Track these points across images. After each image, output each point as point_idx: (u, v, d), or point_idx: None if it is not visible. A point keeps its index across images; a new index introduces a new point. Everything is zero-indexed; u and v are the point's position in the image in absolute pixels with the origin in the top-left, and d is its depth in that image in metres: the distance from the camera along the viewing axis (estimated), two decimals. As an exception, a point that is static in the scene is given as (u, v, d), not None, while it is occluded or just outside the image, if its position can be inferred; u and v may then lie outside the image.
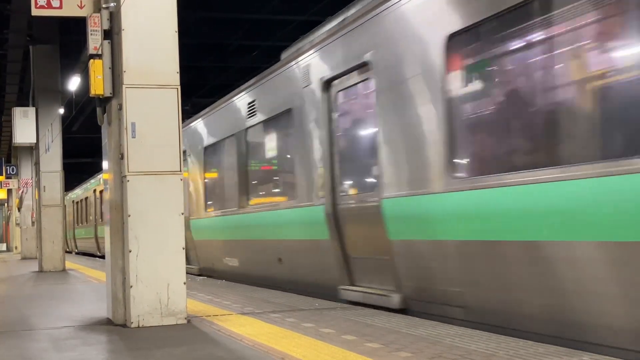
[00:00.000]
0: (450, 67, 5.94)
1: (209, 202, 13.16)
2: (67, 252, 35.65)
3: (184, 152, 13.88)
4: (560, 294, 4.91)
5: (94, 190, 28.71)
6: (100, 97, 6.66)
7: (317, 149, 8.39)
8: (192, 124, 14.05)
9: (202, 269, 13.95)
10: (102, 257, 24.30)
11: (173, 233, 6.41)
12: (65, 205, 35.75)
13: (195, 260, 14.22)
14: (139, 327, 6.23)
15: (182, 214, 6.46)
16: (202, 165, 13.41)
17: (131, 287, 6.26)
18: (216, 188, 12.97)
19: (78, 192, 34.45)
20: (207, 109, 13.35)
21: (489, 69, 5.67)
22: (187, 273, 12.43)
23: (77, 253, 35.28)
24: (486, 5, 5.45)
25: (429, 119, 6.19)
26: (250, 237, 10.79)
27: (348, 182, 7.97)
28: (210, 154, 13.09)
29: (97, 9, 6.76)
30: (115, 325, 6.45)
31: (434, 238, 6.18)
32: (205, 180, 13.33)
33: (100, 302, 7.90)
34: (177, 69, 6.52)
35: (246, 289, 9.70)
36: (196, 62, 21.93)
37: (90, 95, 6.71)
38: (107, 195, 6.84)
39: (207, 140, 13.10)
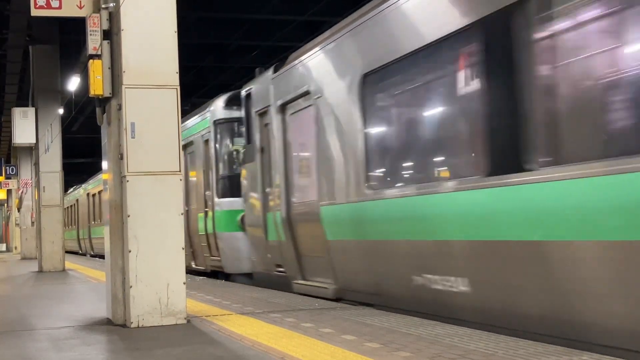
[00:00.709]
0: None
1: (373, 173, 7.52)
2: (80, 254, 33.05)
3: (307, 92, 8.85)
4: None
5: None
6: (100, 97, 6.67)
7: None
8: (329, 42, 8.38)
9: (345, 290, 8.16)
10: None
11: (173, 233, 6.42)
12: (72, 206, 35.21)
13: (327, 274, 8.57)
14: (138, 327, 6.23)
15: (182, 214, 6.47)
16: (358, 107, 7.59)
17: (131, 287, 6.27)
18: (399, 146, 7.28)
19: (95, 183, 28.53)
20: (358, 14, 7.88)
21: None
22: (311, 296, 8.52)
23: (92, 255, 29.59)
24: None
25: None
26: (538, 236, 5.07)
27: None
28: (379, 84, 7.42)
29: (97, 9, 6.76)
30: (115, 325, 6.45)
31: None
32: (365, 134, 7.55)
33: (100, 302, 7.90)
34: (177, 69, 6.53)
35: (246, 289, 9.68)
36: (196, 62, 21.95)
37: (90, 96, 6.73)
38: (106, 196, 6.85)
39: (374, 60, 7.31)
